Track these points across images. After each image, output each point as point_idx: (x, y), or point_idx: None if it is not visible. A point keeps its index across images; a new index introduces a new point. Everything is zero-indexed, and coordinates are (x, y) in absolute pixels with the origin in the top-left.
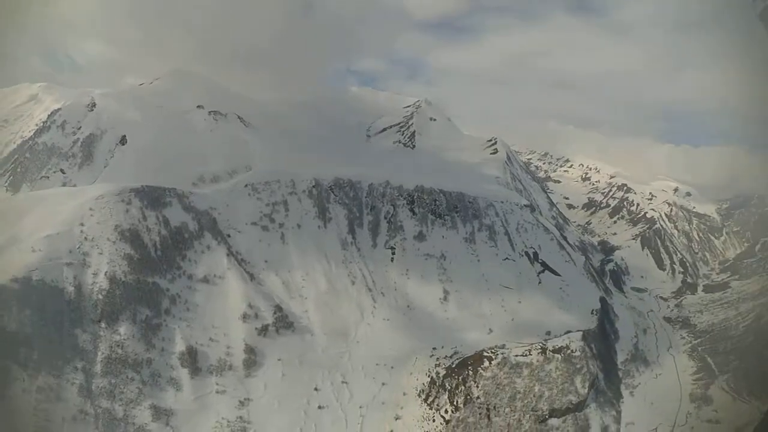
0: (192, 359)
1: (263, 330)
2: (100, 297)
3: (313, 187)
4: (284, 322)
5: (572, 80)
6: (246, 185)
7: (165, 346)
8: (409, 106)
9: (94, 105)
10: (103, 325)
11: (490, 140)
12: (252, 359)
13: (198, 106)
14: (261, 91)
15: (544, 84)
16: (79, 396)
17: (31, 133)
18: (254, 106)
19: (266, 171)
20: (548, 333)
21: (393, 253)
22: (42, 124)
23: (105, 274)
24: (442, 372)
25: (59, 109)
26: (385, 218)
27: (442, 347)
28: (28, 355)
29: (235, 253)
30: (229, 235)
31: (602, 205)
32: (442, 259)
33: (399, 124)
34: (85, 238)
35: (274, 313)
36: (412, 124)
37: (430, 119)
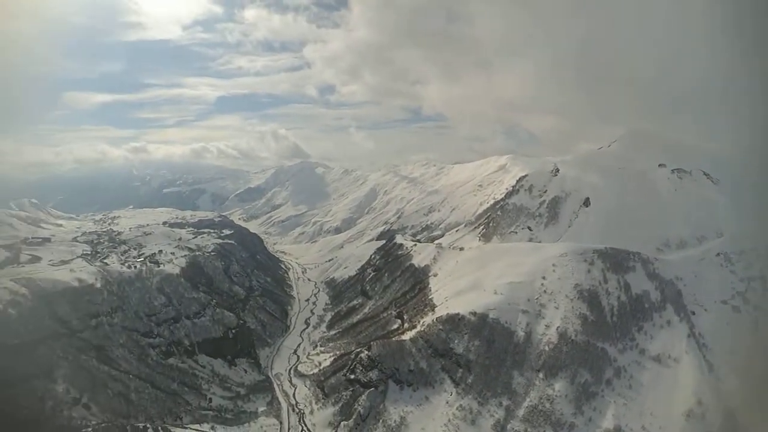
0: None
1: None
2: (546, 349)
3: None
4: None
5: None
6: (718, 254)
7: (593, 417)
8: None
9: (557, 171)
10: (540, 375)
11: None
12: None
13: (659, 165)
14: (717, 140)
15: None
16: (493, 429)
17: (502, 196)
18: (719, 160)
19: (741, 237)
20: None
21: None
22: (511, 188)
23: (556, 329)
24: None
25: (526, 176)
26: None
27: None
28: (464, 377)
29: (698, 335)
30: (693, 313)
31: None
32: None
33: None
34: (545, 291)
35: None
36: None
37: None
